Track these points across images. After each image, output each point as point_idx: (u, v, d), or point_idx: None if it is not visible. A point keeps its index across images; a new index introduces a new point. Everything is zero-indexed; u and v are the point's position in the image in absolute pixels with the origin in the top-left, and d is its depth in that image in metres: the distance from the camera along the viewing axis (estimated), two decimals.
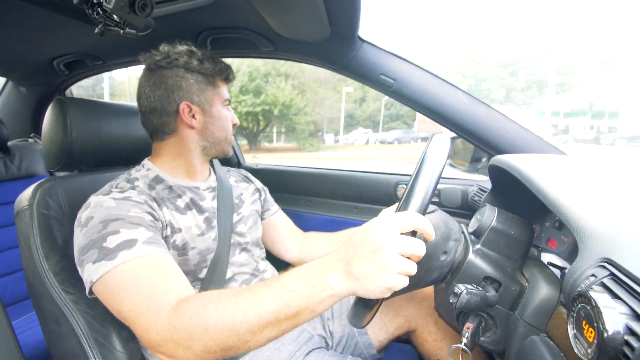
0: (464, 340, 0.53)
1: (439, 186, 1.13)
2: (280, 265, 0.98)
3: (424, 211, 0.45)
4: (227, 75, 0.79)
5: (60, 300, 0.64)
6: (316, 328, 0.84)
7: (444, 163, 0.46)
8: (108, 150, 0.84)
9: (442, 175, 0.47)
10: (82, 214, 0.61)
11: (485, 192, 0.88)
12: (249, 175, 0.99)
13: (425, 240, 0.46)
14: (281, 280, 0.48)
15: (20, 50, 1.16)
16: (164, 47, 0.74)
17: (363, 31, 0.87)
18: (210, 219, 0.76)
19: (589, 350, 0.33)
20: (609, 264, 0.37)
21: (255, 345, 0.48)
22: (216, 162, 0.91)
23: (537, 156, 0.75)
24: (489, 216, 0.57)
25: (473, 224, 0.60)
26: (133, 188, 0.68)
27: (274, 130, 18.27)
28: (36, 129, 1.56)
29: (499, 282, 0.54)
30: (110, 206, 0.61)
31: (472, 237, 0.59)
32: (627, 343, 0.30)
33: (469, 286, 0.51)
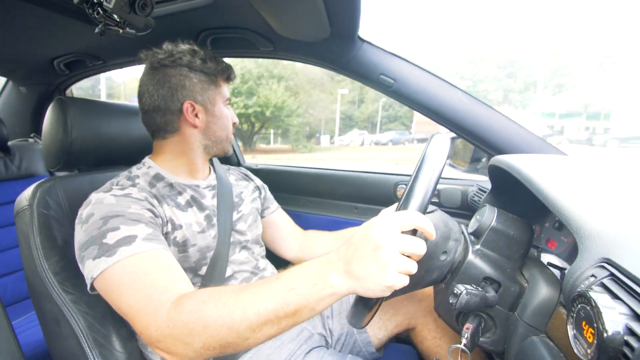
0: (464, 341, 0.53)
1: (439, 186, 1.13)
2: (280, 263, 0.98)
3: (424, 210, 0.45)
4: (228, 74, 0.79)
5: (60, 300, 0.64)
6: (316, 326, 0.84)
7: (444, 163, 0.46)
8: (108, 150, 0.84)
9: (442, 176, 0.47)
10: (83, 211, 0.62)
11: (485, 192, 0.88)
12: (249, 173, 0.99)
13: (426, 240, 0.46)
14: (281, 278, 0.48)
15: (20, 50, 1.17)
16: (167, 46, 0.74)
17: (363, 31, 0.87)
18: (210, 217, 0.76)
19: (589, 351, 0.33)
20: (608, 264, 0.37)
21: (255, 343, 0.48)
22: (216, 161, 0.91)
23: (537, 156, 0.75)
24: (488, 216, 0.57)
25: (473, 224, 0.60)
26: (134, 185, 0.68)
27: (271, 131, 18.25)
28: (36, 128, 1.56)
29: (499, 283, 0.54)
30: (111, 203, 0.61)
31: (472, 237, 0.58)
32: (626, 343, 0.30)
33: (468, 287, 0.51)
